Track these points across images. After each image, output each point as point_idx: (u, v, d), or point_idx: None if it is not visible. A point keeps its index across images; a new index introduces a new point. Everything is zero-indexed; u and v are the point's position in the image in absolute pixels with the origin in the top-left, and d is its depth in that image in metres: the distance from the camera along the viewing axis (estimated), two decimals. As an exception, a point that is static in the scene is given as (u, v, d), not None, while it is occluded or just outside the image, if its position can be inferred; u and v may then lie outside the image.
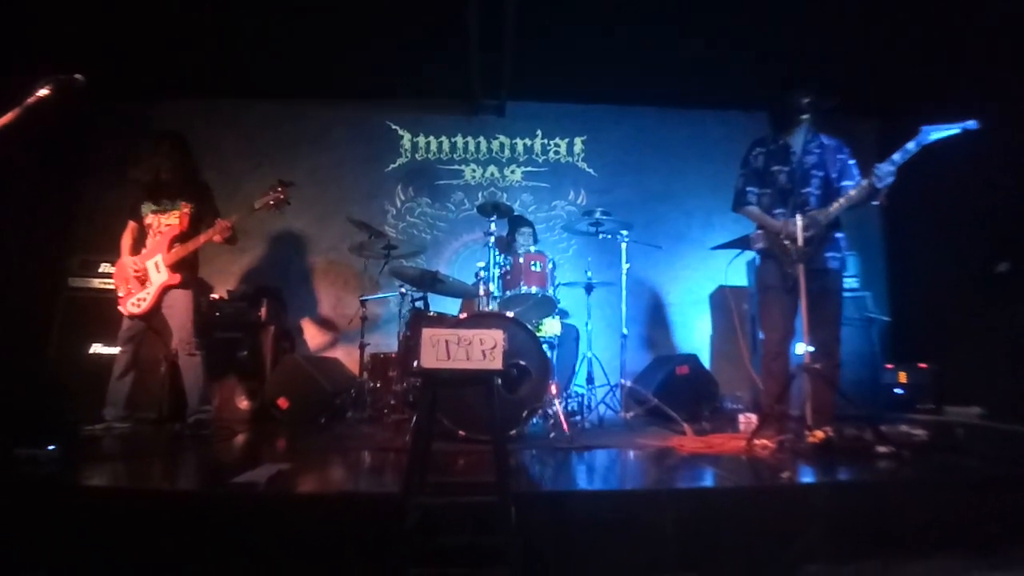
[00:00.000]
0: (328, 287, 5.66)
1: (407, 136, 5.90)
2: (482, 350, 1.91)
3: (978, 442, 3.41)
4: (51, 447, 2.66)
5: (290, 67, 5.25)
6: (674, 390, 4.20)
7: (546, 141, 5.99)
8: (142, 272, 3.67)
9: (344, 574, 1.99)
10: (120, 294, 3.71)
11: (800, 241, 3.04)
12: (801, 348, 3.05)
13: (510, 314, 3.48)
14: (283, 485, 2.30)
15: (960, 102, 4.12)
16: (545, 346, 3.71)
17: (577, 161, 5.99)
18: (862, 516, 2.20)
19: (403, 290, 4.41)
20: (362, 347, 4.56)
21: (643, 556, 2.07)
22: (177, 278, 3.65)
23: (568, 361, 4.66)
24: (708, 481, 2.50)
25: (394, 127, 5.90)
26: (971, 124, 2.90)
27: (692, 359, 4.59)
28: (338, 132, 5.83)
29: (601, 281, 4.57)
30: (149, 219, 3.74)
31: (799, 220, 3.07)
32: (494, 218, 4.06)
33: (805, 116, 3.28)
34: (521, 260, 3.92)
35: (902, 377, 4.73)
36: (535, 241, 4.91)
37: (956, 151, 2.97)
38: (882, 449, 2.80)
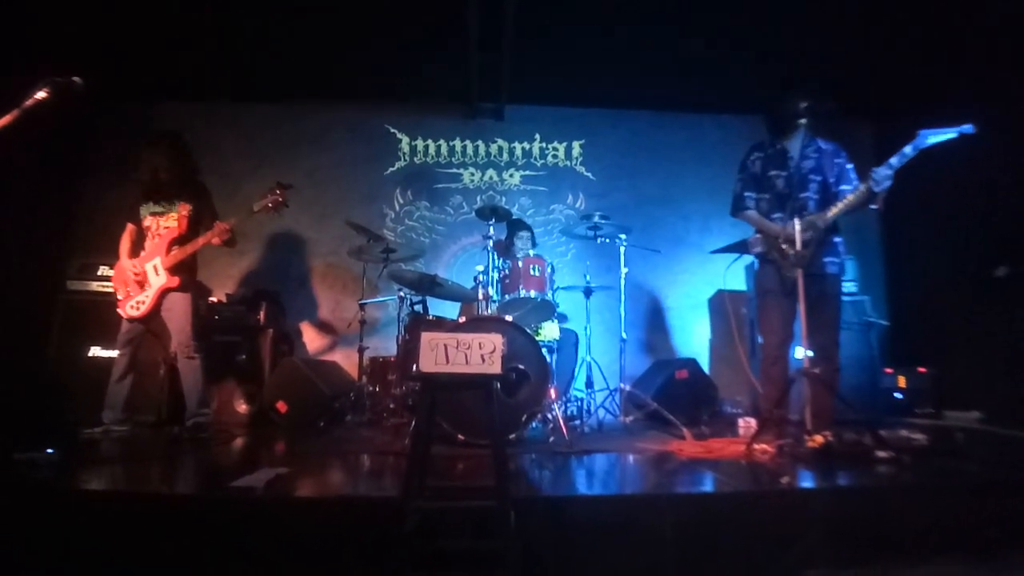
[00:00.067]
0: (327, 290, 5.66)
1: (406, 139, 5.91)
2: (481, 354, 1.91)
3: (977, 446, 3.41)
4: (50, 450, 2.66)
5: (289, 69, 5.26)
6: (673, 394, 4.20)
7: (544, 145, 6.00)
8: (141, 275, 3.66)
9: (342, 578, 1.99)
10: (119, 297, 3.70)
11: (798, 245, 3.04)
12: (800, 352, 3.05)
13: (509, 318, 3.48)
14: (281, 489, 2.29)
15: (958, 105, 4.13)
16: (544, 350, 3.70)
17: (575, 165, 6.00)
18: (861, 521, 2.20)
19: (402, 294, 4.41)
20: (361, 351, 4.56)
21: (642, 561, 2.06)
22: (176, 281, 3.65)
23: (567, 365, 4.66)
24: (707, 486, 2.50)
25: (393, 130, 5.91)
26: (968, 128, 2.91)
27: (691, 363, 4.59)
28: (337, 135, 5.84)
29: (600, 285, 4.57)
30: (148, 221, 3.74)
31: (797, 224, 3.07)
32: (492, 222, 4.07)
33: (802, 121, 3.28)
34: (520, 264, 3.92)
35: (901, 381, 4.73)
36: (534, 245, 4.91)
37: (954, 155, 2.97)
38: (881, 454, 2.79)
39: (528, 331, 3.49)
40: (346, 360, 5.25)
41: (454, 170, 5.92)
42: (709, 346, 5.57)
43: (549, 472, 2.75)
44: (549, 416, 3.51)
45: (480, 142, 5.96)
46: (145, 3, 4.28)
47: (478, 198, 5.84)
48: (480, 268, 3.97)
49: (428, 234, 5.81)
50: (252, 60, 5.11)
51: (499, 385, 2.00)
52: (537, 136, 5.99)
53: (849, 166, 3.29)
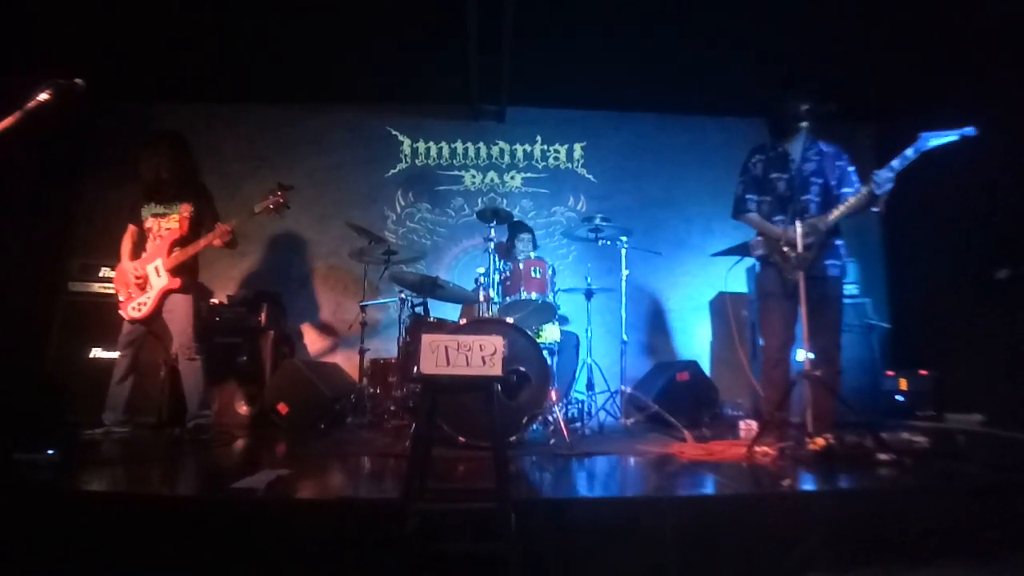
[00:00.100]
0: (328, 292, 5.66)
1: (407, 141, 5.92)
2: (482, 356, 1.91)
3: (979, 449, 3.40)
4: (50, 451, 2.67)
5: (290, 70, 5.27)
6: (674, 397, 4.20)
7: (546, 147, 6.01)
8: (142, 276, 3.66)
9: (343, 580, 1.99)
10: (120, 298, 3.70)
11: (800, 248, 3.04)
12: (801, 355, 3.05)
13: (510, 320, 3.48)
14: (282, 490, 2.29)
15: (958, 106, 4.14)
16: (545, 352, 3.70)
17: (577, 167, 6.01)
18: (863, 523, 2.20)
19: (403, 295, 4.41)
20: (362, 352, 4.56)
21: (643, 563, 2.06)
22: (177, 282, 3.65)
23: (568, 367, 4.66)
24: (708, 488, 2.49)
25: (394, 132, 5.92)
26: (969, 131, 2.91)
27: (692, 366, 4.58)
28: (338, 136, 5.85)
29: (601, 287, 4.57)
30: (149, 223, 3.74)
31: (799, 227, 3.07)
32: (494, 224, 4.07)
33: (804, 124, 3.28)
34: (521, 266, 3.93)
35: (902, 384, 4.73)
36: (534, 247, 4.92)
37: (955, 157, 2.97)
38: (883, 456, 2.78)
39: (529, 333, 3.48)
40: (347, 362, 5.25)
41: (455, 172, 5.93)
42: (710, 348, 5.57)
43: (550, 474, 2.74)
44: (550, 418, 3.50)
45: (481, 144, 5.96)
46: (145, 4, 4.29)
47: (479, 200, 5.85)
48: (481, 270, 3.97)
49: (429, 236, 5.81)
50: (252, 61, 5.11)
51: (500, 387, 2.00)
52: (538, 138, 6.00)
53: (851, 169, 3.29)
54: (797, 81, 3.40)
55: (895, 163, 2.96)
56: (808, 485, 2.50)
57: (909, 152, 2.94)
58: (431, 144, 5.94)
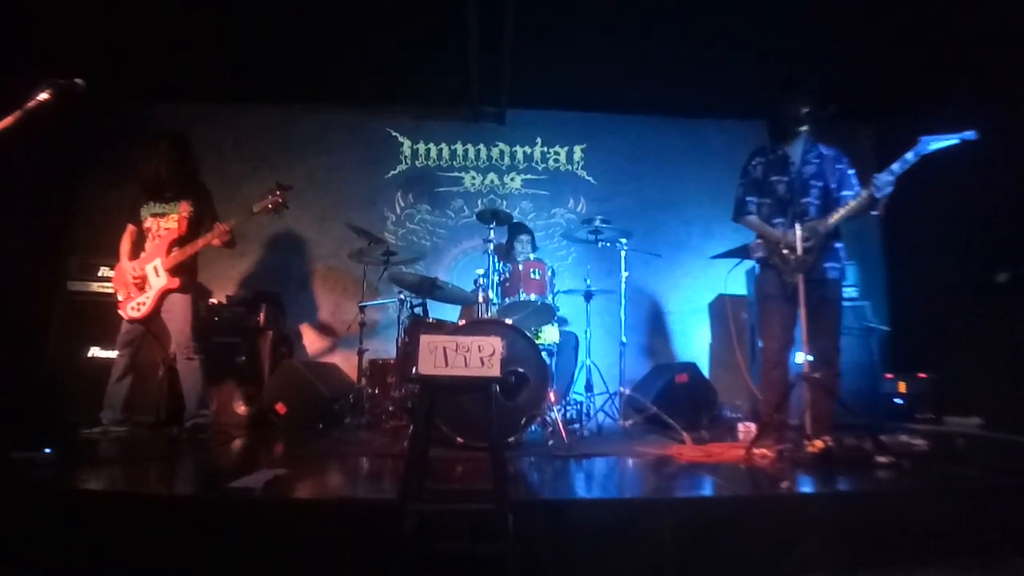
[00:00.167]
0: (327, 293, 5.66)
1: (407, 143, 5.92)
2: (480, 357, 1.91)
3: (978, 452, 3.40)
4: (48, 450, 2.66)
5: (289, 70, 5.26)
6: (673, 398, 4.19)
7: (546, 149, 6.01)
8: (141, 276, 3.66)
9: (340, 581, 1.98)
10: (119, 298, 3.70)
11: (799, 251, 3.05)
12: (800, 357, 3.05)
13: (509, 321, 3.48)
14: (280, 490, 2.29)
15: (958, 109, 4.13)
16: (544, 353, 3.70)
17: (577, 169, 6.01)
18: (861, 526, 2.20)
19: (402, 296, 4.41)
20: (361, 353, 4.55)
21: (642, 565, 2.06)
22: (176, 282, 3.65)
23: (567, 368, 4.66)
24: (707, 490, 2.49)
25: (394, 134, 5.92)
26: (970, 135, 2.91)
27: (691, 367, 4.59)
28: (337, 137, 5.85)
29: (600, 289, 4.57)
30: (148, 223, 3.74)
31: (798, 230, 3.07)
32: (493, 225, 4.07)
33: (804, 127, 3.29)
34: (520, 267, 3.92)
35: (901, 387, 4.72)
36: (534, 248, 4.91)
37: (955, 160, 2.98)
38: (881, 459, 2.79)
39: (528, 334, 3.48)
40: (345, 362, 5.25)
41: (455, 173, 5.93)
42: (709, 350, 5.57)
43: (548, 475, 2.74)
44: (548, 419, 3.50)
45: (481, 146, 5.96)
46: (145, 4, 4.28)
47: (479, 202, 5.85)
48: (480, 271, 3.97)
49: (429, 237, 5.81)
50: (252, 62, 5.11)
51: (498, 388, 2.00)
52: (538, 140, 6.00)
53: (851, 172, 3.30)
54: (797, 83, 3.40)
55: (895, 166, 2.96)
56: (806, 487, 2.50)
57: (909, 156, 2.95)
58: (431, 145, 5.94)
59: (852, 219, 3.15)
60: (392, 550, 1.78)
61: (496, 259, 3.96)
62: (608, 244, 4.52)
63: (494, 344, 1.91)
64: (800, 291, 3.03)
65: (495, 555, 1.76)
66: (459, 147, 5.95)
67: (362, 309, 4.65)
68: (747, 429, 3.68)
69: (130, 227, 3.82)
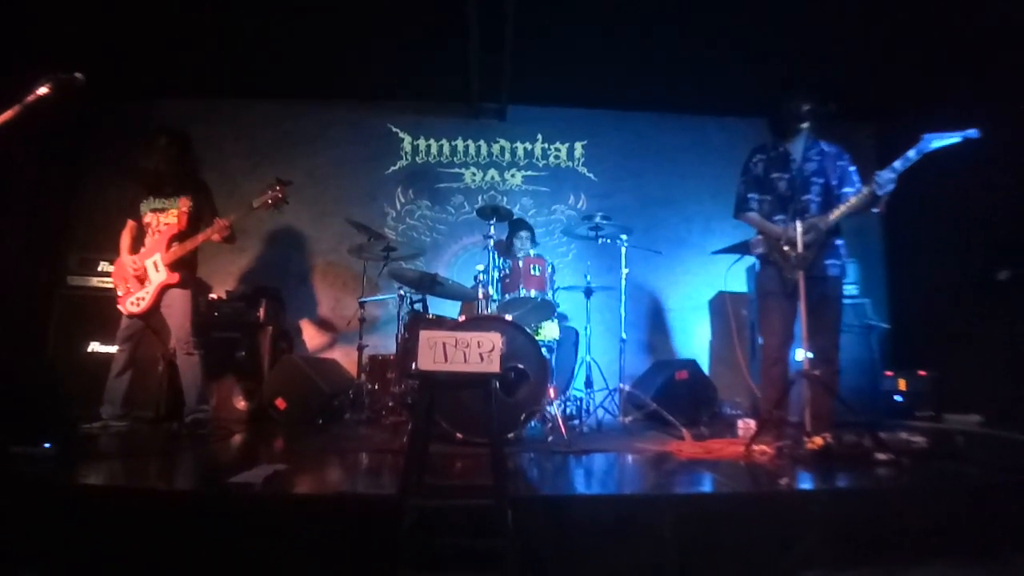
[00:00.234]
0: (327, 288, 5.65)
1: (408, 139, 5.91)
2: (480, 353, 1.91)
3: (977, 449, 3.40)
4: (48, 445, 2.66)
5: (290, 67, 5.25)
6: (673, 395, 4.20)
7: (546, 145, 6.00)
8: (141, 271, 3.66)
9: (339, 575, 1.98)
10: (119, 293, 3.71)
11: (800, 247, 3.04)
12: (800, 354, 3.05)
13: (509, 317, 3.48)
14: (280, 485, 2.29)
15: (959, 107, 4.13)
16: (544, 350, 3.70)
17: (577, 166, 6.00)
18: (860, 522, 2.20)
19: (402, 292, 4.41)
20: (360, 348, 4.56)
21: (641, 561, 2.06)
22: (176, 277, 3.65)
23: (567, 365, 4.66)
24: (706, 486, 2.49)
25: (395, 129, 5.91)
26: (972, 133, 2.90)
27: (691, 364, 4.59)
28: (338, 133, 5.84)
29: (600, 285, 4.57)
30: (148, 218, 3.74)
31: (799, 226, 3.07)
32: (493, 221, 4.06)
33: (805, 124, 3.28)
34: (520, 264, 3.92)
35: (901, 384, 4.72)
36: (534, 244, 4.91)
37: (956, 158, 2.97)
38: (881, 456, 2.78)
39: (528, 330, 3.49)
40: (345, 358, 5.25)
41: (456, 170, 5.92)
42: (709, 347, 5.57)
43: (547, 471, 2.74)
44: (548, 415, 3.50)
45: (482, 142, 5.95)
46: (145, 2, 4.27)
47: (479, 198, 5.84)
48: (480, 267, 3.97)
49: (429, 233, 5.80)
50: (253, 58, 5.10)
51: (498, 384, 2.00)
52: (539, 136, 5.99)
53: (852, 168, 3.29)
54: (798, 81, 3.40)
55: (897, 164, 2.96)
56: (806, 484, 2.49)
57: (911, 153, 2.94)
58: (432, 141, 5.93)
59: (853, 216, 3.15)
60: (391, 545, 1.79)
61: (496, 255, 3.96)
62: (608, 241, 4.52)
63: (494, 340, 1.91)
64: (800, 288, 3.03)
65: (494, 550, 1.77)
66: (460, 143, 5.94)
67: (362, 305, 4.65)
68: (747, 426, 3.68)
69: (130, 222, 3.82)
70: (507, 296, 3.89)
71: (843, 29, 4.49)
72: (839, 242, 3.26)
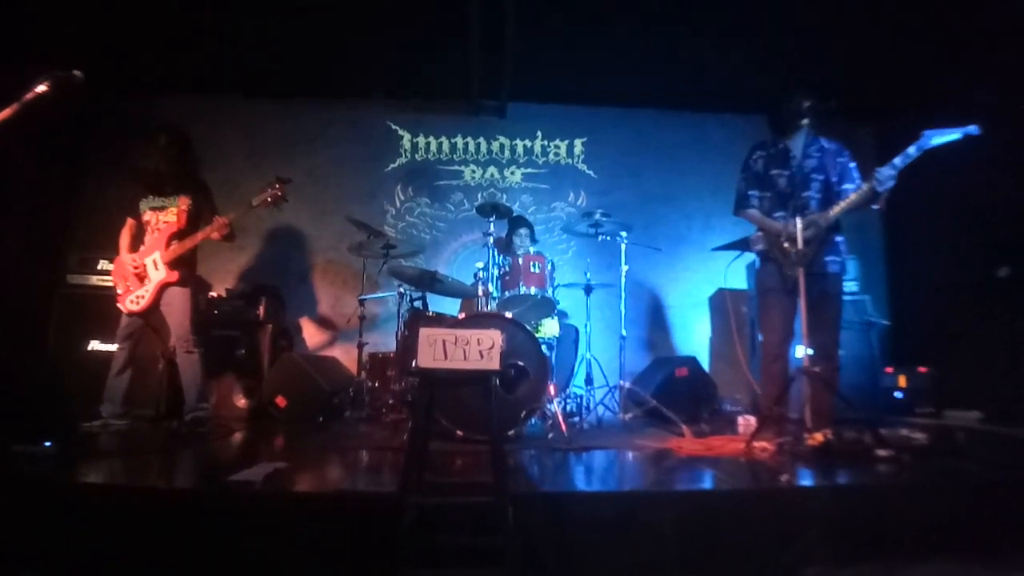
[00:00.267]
0: (327, 286, 5.65)
1: (407, 136, 5.90)
2: (479, 350, 1.90)
3: (978, 446, 3.41)
4: (48, 444, 2.66)
5: (290, 65, 5.25)
6: (673, 392, 4.20)
7: (546, 143, 5.99)
8: (140, 269, 3.66)
9: (340, 573, 1.98)
10: (119, 291, 3.70)
11: (800, 244, 3.04)
12: (800, 351, 3.05)
13: (509, 315, 3.47)
14: (280, 483, 2.29)
15: (959, 104, 4.12)
16: (544, 347, 3.70)
17: (577, 163, 5.99)
18: (861, 519, 2.19)
19: (402, 290, 4.40)
20: (360, 346, 4.55)
21: (641, 558, 2.06)
22: (175, 275, 3.64)
23: (567, 362, 4.66)
24: (707, 483, 2.49)
25: (394, 127, 5.90)
26: (972, 129, 2.89)
27: (691, 361, 4.59)
28: (338, 131, 5.83)
29: (600, 283, 4.57)
30: (147, 216, 3.74)
31: (799, 223, 3.06)
32: (493, 219, 4.06)
33: (805, 120, 3.27)
34: (520, 261, 3.92)
35: (902, 381, 4.73)
36: (533, 242, 4.91)
37: (957, 155, 2.96)
38: (881, 452, 2.79)
39: (528, 328, 3.48)
40: (345, 356, 5.25)
41: (455, 167, 5.91)
42: (709, 344, 5.57)
43: (548, 468, 2.74)
44: (548, 412, 3.50)
45: (482, 139, 5.94)
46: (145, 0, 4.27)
47: (479, 195, 5.84)
48: (480, 265, 3.96)
49: (429, 231, 5.80)
50: (253, 56, 5.09)
51: (498, 381, 1.99)
52: (539, 133, 5.98)
53: (852, 165, 3.29)
54: (799, 80, 3.39)
55: (897, 161, 2.95)
56: (806, 481, 2.49)
57: (911, 150, 2.93)
58: (431, 139, 5.92)
59: (853, 213, 3.14)
60: (392, 543, 1.78)
61: (496, 252, 3.96)
62: (608, 238, 4.52)
63: (493, 337, 1.91)
64: (800, 284, 3.02)
65: (495, 547, 1.77)
66: (459, 140, 5.93)
67: (362, 302, 4.64)
68: (747, 423, 3.68)
69: (130, 220, 3.81)
70: (507, 293, 3.88)
71: (843, 26, 4.48)
72: (839, 239, 3.26)
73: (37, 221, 4.98)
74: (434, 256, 5.70)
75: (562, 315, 4.75)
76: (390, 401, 4.18)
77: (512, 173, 5.93)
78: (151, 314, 3.71)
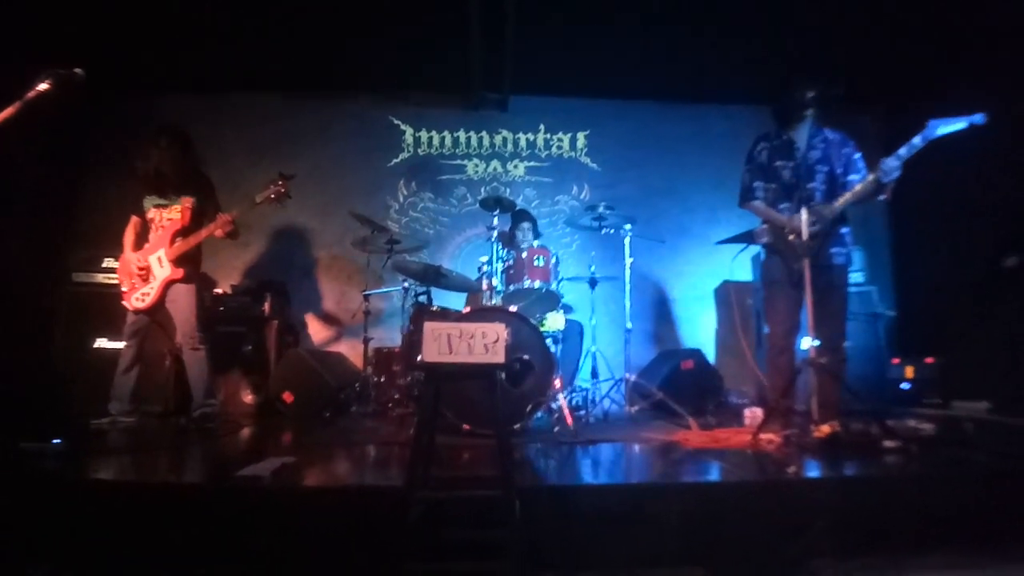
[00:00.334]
0: (331, 282, 5.66)
1: (409, 131, 5.89)
2: (484, 344, 1.90)
3: (986, 436, 3.38)
4: (57, 441, 2.67)
5: (291, 61, 5.24)
6: (679, 384, 4.19)
7: (549, 136, 5.97)
8: (145, 267, 3.67)
9: (347, 567, 1.99)
10: (124, 289, 3.71)
11: (805, 236, 3.03)
12: (807, 343, 3.04)
13: (513, 308, 3.47)
14: (288, 478, 2.30)
15: (964, 94, 4.08)
16: (549, 340, 3.70)
17: (580, 156, 5.98)
18: (868, 511, 2.19)
19: (406, 285, 4.41)
20: (366, 341, 4.56)
21: (648, 550, 2.06)
22: (180, 273, 3.65)
23: (572, 356, 4.66)
24: (713, 475, 2.49)
25: (396, 122, 5.89)
26: (978, 118, 2.87)
27: (697, 354, 4.58)
28: (340, 127, 5.82)
29: (605, 276, 4.56)
30: (151, 214, 3.74)
31: (804, 215, 3.05)
32: (497, 213, 4.05)
33: (809, 111, 3.25)
34: (524, 255, 3.92)
35: (908, 372, 4.70)
36: (536, 235, 4.90)
37: (963, 144, 2.94)
38: (888, 444, 2.78)
39: (532, 321, 3.48)
40: (351, 351, 5.26)
41: (458, 161, 5.90)
42: (715, 337, 5.57)
43: (554, 462, 2.75)
44: (554, 406, 3.50)
45: (484, 133, 5.93)
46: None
47: (482, 189, 5.83)
48: (484, 259, 3.96)
49: (432, 225, 5.80)
50: (253, 53, 5.08)
51: (503, 375, 1.99)
52: (542, 127, 5.97)
53: (857, 156, 3.27)
54: (802, 71, 3.36)
55: (902, 151, 2.93)
56: (813, 472, 2.49)
57: (917, 140, 2.91)
58: (434, 133, 5.91)
59: (859, 204, 3.13)
60: (399, 537, 1.79)
61: (500, 246, 3.96)
62: (612, 231, 4.51)
63: (498, 331, 1.91)
64: (806, 276, 3.01)
65: (501, 541, 1.77)
66: (462, 135, 5.92)
67: (366, 298, 4.65)
68: (753, 415, 3.68)
69: (134, 218, 3.82)
70: (511, 287, 3.88)
71: (847, 14, 4.44)
72: (845, 230, 3.24)
73: (40, 220, 4.99)
74: (438, 251, 5.69)
75: (567, 309, 4.74)
76: (396, 396, 4.18)
77: (515, 167, 5.92)
78: (157, 311, 3.72)
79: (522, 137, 5.95)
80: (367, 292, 4.67)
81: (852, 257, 3.30)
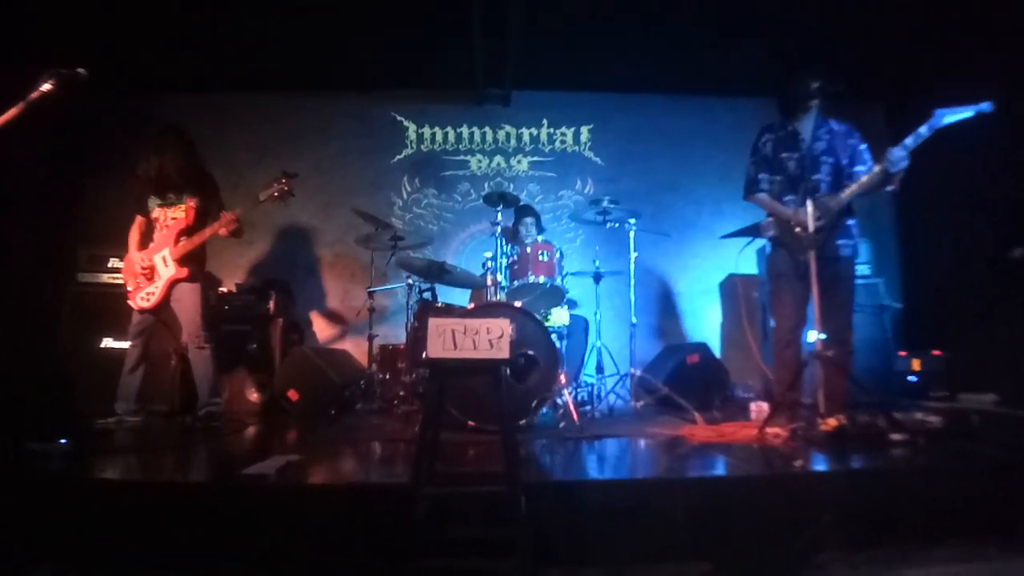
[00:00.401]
0: (335, 279, 5.67)
1: (412, 127, 5.88)
2: (489, 339, 1.89)
3: (993, 429, 3.38)
4: (63, 441, 2.68)
5: (293, 58, 5.23)
6: (685, 379, 4.18)
7: (552, 130, 5.96)
8: (150, 266, 3.67)
9: (353, 565, 1.99)
10: (129, 289, 3.72)
11: (811, 228, 3.00)
12: (813, 336, 3.02)
13: (518, 304, 3.46)
14: (293, 476, 2.30)
15: (971, 82, 4.03)
16: (554, 336, 3.69)
17: (584, 150, 5.96)
18: (875, 504, 2.18)
19: (410, 281, 4.40)
20: (371, 339, 4.57)
21: (654, 545, 2.05)
22: (185, 272, 3.66)
23: (577, 351, 4.65)
24: (720, 470, 2.48)
25: (399, 118, 5.88)
26: (985, 107, 2.84)
27: (702, 348, 4.57)
28: (342, 123, 5.82)
29: (609, 270, 4.55)
30: (155, 213, 3.75)
31: (810, 207, 3.02)
32: (500, 208, 4.04)
33: (814, 102, 3.22)
34: (528, 250, 3.91)
35: (915, 364, 4.68)
36: (540, 230, 4.88)
37: (970, 133, 2.91)
38: (896, 436, 2.76)
39: (537, 317, 3.47)
40: (356, 348, 5.27)
41: (461, 157, 5.89)
42: (720, 331, 5.54)
43: (560, 457, 2.74)
44: (559, 401, 3.50)
45: (487, 128, 5.92)
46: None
47: (486, 185, 5.82)
48: (488, 254, 3.95)
49: (436, 221, 5.79)
50: (255, 51, 5.08)
51: (508, 370, 1.99)
52: (545, 122, 5.95)
53: (862, 147, 3.24)
54: (807, 62, 3.34)
55: (909, 141, 2.90)
56: (820, 466, 2.48)
57: (923, 130, 2.88)
58: (436, 129, 5.90)
59: (865, 195, 3.10)
60: (404, 534, 1.79)
61: (504, 242, 3.96)
62: (616, 225, 4.49)
63: (502, 326, 1.90)
64: (812, 269, 2.99)
65: (507, 537, 1.76)
66: (465, 130, 5.91)
67: (371, 295, 4.65)
68: (759, 409, 3.66)
69: (138, 218, 3.83)
70: (516, 283, 3.88)
71: (852, 5, 4.40)
72: (851, 222, 3.22)
73: (44, 220, 5.01)
74: (442, 247, 5.69)
75: (572, 304, 4.74)
76: (401, 393, 4.18)
77: (519, 162, 5.91)
78: (162, 311, 3.73)
79: (525, 132, 5.94)
80: (371, 289, 4.67)
81: (858, 249, 3.27)
